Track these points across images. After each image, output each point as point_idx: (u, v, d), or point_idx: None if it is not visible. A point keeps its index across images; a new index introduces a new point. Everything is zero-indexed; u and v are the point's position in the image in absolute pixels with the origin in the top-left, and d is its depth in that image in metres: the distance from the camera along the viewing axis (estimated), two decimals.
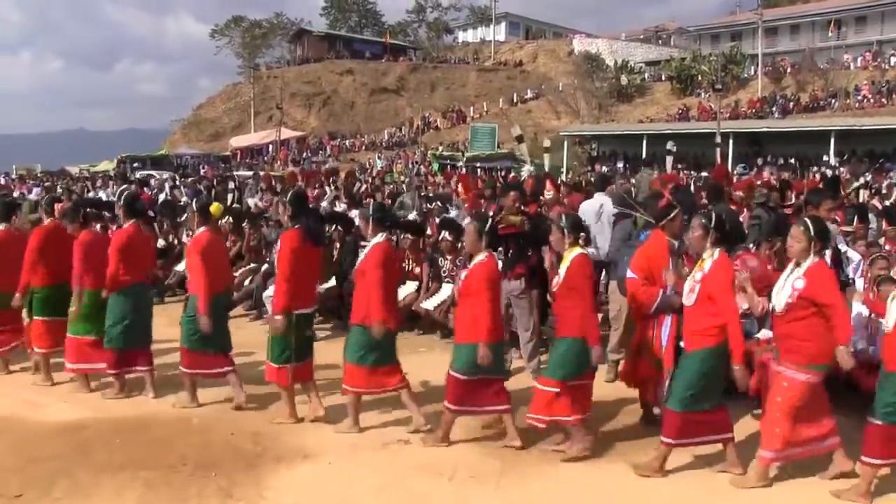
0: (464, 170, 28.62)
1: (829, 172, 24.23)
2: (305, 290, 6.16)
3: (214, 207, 6.79)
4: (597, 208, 8.49)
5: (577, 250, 5.50)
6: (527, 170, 11.64)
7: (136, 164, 37.15)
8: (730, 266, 5.19)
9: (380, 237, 5.93)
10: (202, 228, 6.54)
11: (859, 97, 41.87)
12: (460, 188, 10.95)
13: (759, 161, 34.94)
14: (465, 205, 10.91)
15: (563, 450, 5.57)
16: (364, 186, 21.25)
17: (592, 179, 14.62)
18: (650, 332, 5.86)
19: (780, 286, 5.07)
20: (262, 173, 26.71)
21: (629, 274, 5.99)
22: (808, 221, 5.13)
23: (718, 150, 21.17)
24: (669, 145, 23.51)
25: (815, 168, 31.93)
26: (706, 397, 5.11)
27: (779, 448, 4.99)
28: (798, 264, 5.01)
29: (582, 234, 5.59)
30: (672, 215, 5.96)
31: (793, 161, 34.40)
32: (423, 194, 15.27)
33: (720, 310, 4.99)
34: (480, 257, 5.61)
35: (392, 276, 5.99)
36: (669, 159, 21.22)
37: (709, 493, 5.03)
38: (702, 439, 5.24)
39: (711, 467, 5.31)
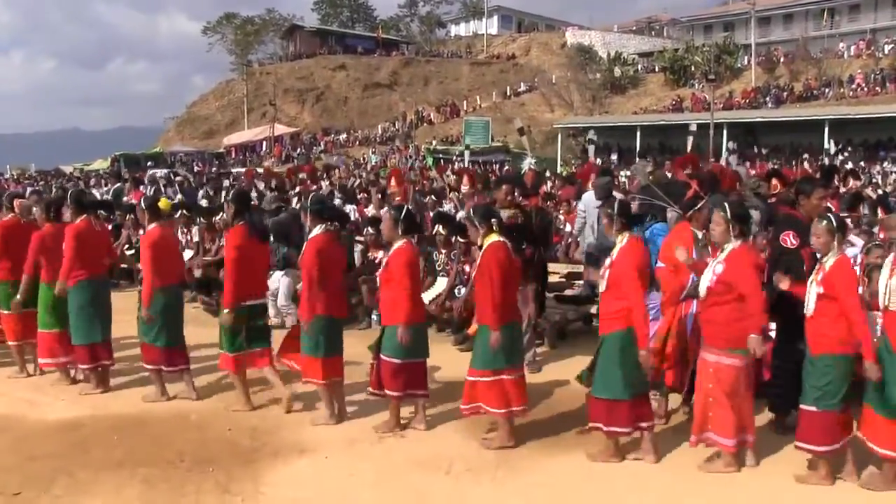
0: (464, 164, 28.60)
1: (826, 161, 24.29)
2: (254, 283, 6.39)
3: (163, 203, 7.07)
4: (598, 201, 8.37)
5: (492, 238, 5.62)
6: (528, 162, 11.64)
7: (149, 163, 36.96)
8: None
9: (318, 230, 6.10)
10: (153, 224, 6.68)
11: (853, 86, 41.91)
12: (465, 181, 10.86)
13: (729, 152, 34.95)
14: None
15: (490, 439, 5.71)
16: (358, 181, 21.26)
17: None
18: (676, 319, 5.91)
19: (706, 272, 5.18)
20: (243, 169, 26.67)
21: (658, 263, 6.09)
22: (727, 205, 5.21)
23: (691, 137, 21.24)
24: (692, 127, 23.61)
25: (807, 156, 32.02)
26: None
27: (732, 434, 5.08)
28: (722, 249, 5.13)
29: (494, 220, 5.71)
30: (699, 206, 6.03)
31: (787, 150, 34.49)
32: (417, 189, 15.22)
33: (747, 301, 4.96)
34: (398, 244, 5.82)
35: (334, 266, 6.15)
36: (690, 139, 21.40)
37: (701, 485, 5.06)
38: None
39: (708, 463, 5.35)
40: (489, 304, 5.48)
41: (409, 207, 6.32)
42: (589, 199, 8.60)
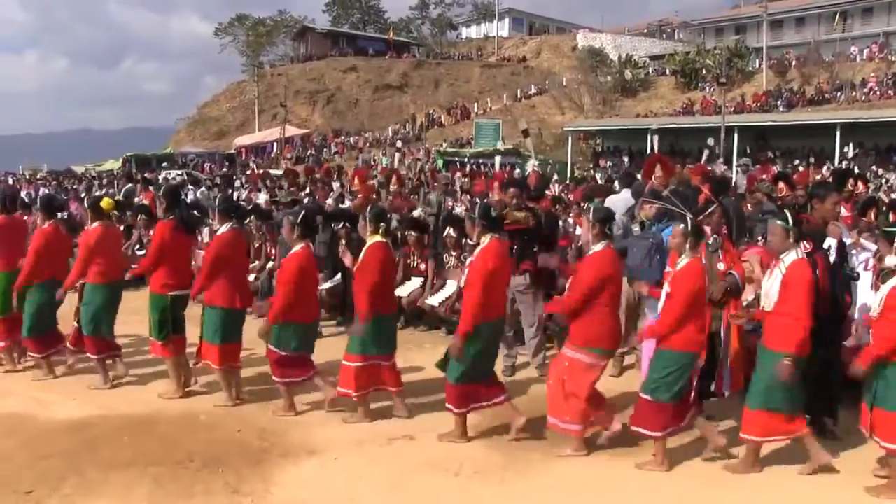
0: (468, 167, 28.56)
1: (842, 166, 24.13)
2: (179, 274, 6.78)
3: (106, 203, 7.37)
4: (626, 203, 8.26)
5: (375, 239, 6.06)
6: (531, 164, 11.58)
7: (163, 164, 37.10)
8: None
9: (225, 227, 6.57)
10: (96, 223, 7.08)
11: (866, 90, 41.66)
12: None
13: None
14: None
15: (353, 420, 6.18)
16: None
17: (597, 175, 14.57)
18: None
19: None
20: (248, 172, 26.75)
21: (667, 269, 6.03)
22: (593, 209, 5.70)
23: (707, 150, 21.01)
24: (710, 141, 23.70)
25: (812, 160, 31.86)
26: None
27: (580, 420, 5.39)
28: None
29: (382, 224, 6.14)
30: (710, 210, 6.01)
31: (803, 156, 34.30)
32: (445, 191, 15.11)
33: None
34: (296, 248, 6.23)
35: (236, 261, 6.60)
36: (707, 152, 21.35)
37: (712, 488, 5.05)
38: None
39: (723, 461, 5.33)
40: (361, 297, 5.97)
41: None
42: (617, 201, 8.40)
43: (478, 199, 12.11)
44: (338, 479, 5.24)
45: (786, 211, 5.28)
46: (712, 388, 5.96)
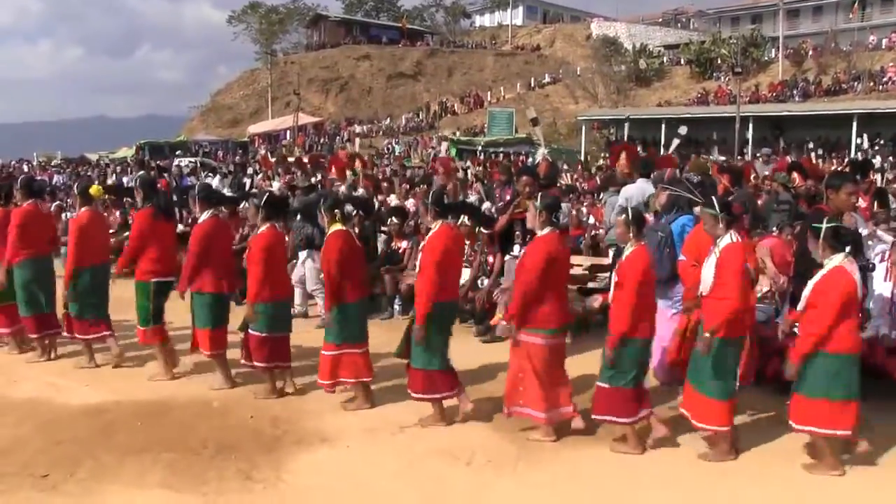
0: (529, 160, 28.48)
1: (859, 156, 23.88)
2: (162, 261, 6.97)
3: (94, 189, 7.68)
4: (643, 193, 8.19)
5: (335, 227, 6.19)
6: (541, 153, 11.54)
7: (177, 152, 37.10)
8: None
9: (206, 214, 6.72)
10: (84, 208, 7.37)
11: (884, 79, 41.18)
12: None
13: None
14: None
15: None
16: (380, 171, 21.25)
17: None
18: (695, 317, 5.86)
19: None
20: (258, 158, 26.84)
21: (680, 256, 6.10)
22: (540, 196, 5.73)
23: (676, 140, 20.59)
24: (681, 130, 23.35)
25: (821, 151, 31.61)
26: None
27: (544, 407, 5.47)
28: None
29: (338, 211, 6.26)
30: (728, 201, 5.99)
31: (811, 145, 34.04)
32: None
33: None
34: (261, 229, 6.40)
35: (221, 247, 6.76)
36: (675, 142, 20.96)
37: (727, 479, 5.03)
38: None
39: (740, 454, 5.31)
40: (327, 287, 6.14)
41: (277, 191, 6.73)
42: (633, 191, 8.32)
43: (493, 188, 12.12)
44: (350, 466, 5.26)
45: (713, 199, 5.41)
46: None
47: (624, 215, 5.39)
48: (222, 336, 6.80)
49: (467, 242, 9.21)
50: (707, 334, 5.12)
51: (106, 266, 7.47)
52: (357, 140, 39.11)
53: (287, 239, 10.57)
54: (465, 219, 9.11)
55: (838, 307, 4.81)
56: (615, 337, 5.23)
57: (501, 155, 30.04)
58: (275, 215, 6.56)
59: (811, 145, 34.17)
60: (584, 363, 6.36)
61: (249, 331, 6.42)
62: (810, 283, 4.99)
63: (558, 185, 12.25)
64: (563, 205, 6.31)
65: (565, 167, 26.34)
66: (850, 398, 4.90)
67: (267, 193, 6.76)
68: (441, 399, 5.88)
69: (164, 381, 6.99)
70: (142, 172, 18.17)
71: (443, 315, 5.82)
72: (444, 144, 34.50)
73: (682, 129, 23.35)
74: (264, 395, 6.52)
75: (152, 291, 6.91)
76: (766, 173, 12.28)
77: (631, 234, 5.33)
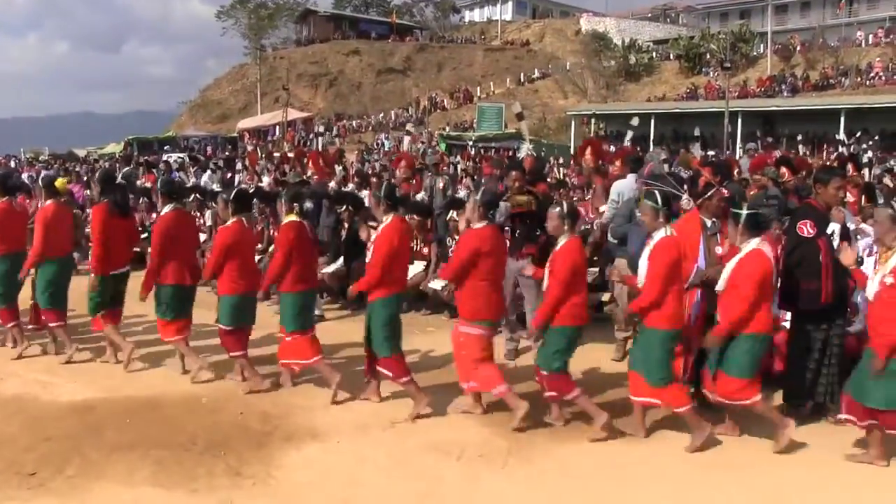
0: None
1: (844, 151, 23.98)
2: (118, 254, 7.11)
3: (59, 182, 7.89)
4: (632, 188, 8.19)
5: (290, 218, 6.43)
6: (525, 148, 11.52)
7: (165, 147, 36.91)
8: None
9: (168, 208, 6.89)
10: (49, 201, 7.49)
11: (871, 75, 41.41)
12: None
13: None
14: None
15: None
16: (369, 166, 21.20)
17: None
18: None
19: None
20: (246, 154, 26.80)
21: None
22: (481, 192, 6.11)
23: (630, 132, 20.32)
24: (633, 122, 23.42)
25: (807, 145, 31.76)
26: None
27: (498, 382, 5.73)
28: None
29: (296, 204, 6.48)
30: (709, 195, 6.00)
31: (800, 138, 34.18)
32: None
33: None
34: (228, 223, 6.59)
35: (182, 240, 6.91)
36: (629, 134, 20.92)
37: (716, 474, 5.06)
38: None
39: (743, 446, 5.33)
40: (271, 271, 6.42)
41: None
42: (623, 187, 8.33)
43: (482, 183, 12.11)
44: (340, 462, 5.25)
45: (656, 193, 5.52)
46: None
47: (558, 209, 5.58)
48: (184, 325, 6.97)
49: (456, 237, 9.21)
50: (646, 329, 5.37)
51: (70, 258, 7.70)
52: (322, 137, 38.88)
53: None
54: (454, 214, 9.13)
55: (757, 287, 5.06)
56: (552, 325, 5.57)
57: (493, 150, 30.03)
58: (243, 210, 6.70)
59: (800, 138, 34.29)
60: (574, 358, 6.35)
61: (218, 323, 6.62)
62: (729, 265, 5.23)
63: (547, 179, 12.23)
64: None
65: (560, 162, 26.34)
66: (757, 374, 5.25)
67: (236, 188, 7.06)
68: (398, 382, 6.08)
69: (113, 364, 7.29)
70: (127, 168, 18.09)
71: (389, 309, 6.02)
72: (406, 139, 34.50)
73: (634, 121, 23.37)
74: (250, 389, 6.53)
75: (110, 283, 7.12)
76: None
77: (565, 227, 5.56)
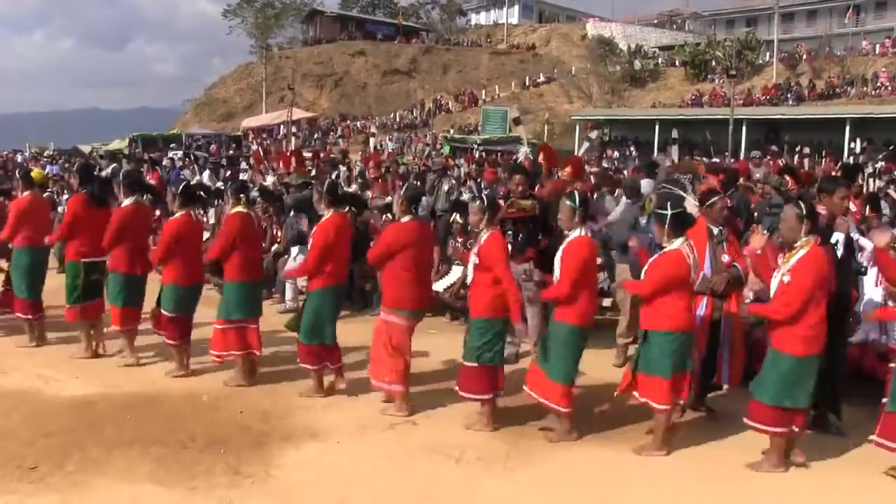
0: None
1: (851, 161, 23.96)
2: (93, 243, 7.24)
3: (36, 173, 8.28)
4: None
5: (236, 209, 6.68)
6: (523, 152, 11.52)
7: (172, 145, 36.83)
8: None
9: (128, 200, 7.14)
10: (27, 192, 7.77)
11: (877, 84, 41.36)
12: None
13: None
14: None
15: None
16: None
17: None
18: None
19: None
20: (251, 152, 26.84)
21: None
22: (404, 189, 6.31)
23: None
24: (592, 135, 23.47)
25: (807, 152, 31.72)
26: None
27: (397, 379, 5.92)
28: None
29: (242, 196, 6.79)
30: (713, 201, 6.00)
31: (808, 149, 34.10)
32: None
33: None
34: (176, 215, 6.81)
35: (138, 232, 7.18)
36: (675, 148, 20.87)
37: (714, 480, 5.05)
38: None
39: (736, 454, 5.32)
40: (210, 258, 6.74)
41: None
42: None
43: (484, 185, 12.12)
44: (339, 462, 5.25)
45: (575, 193, 5.70)
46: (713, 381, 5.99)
47: (479, 203, 5.76)
48: (133, 314, 7.17)
49: (460, 240, 9.22)
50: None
51: (46, 249, 7.90)
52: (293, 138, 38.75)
53: (278, 232, 10.62)
54: (457, 216, 9.13)
55: (664, 282, 5.22)
56: (473, 317, 5.76)
57: (498, 154, 30.01)
58: (191, 203, 6.97)
59: (806, 150, 34.24)
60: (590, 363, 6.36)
61: (161, 309, 6.83)
62: (649, 262, 5.42)
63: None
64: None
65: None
66: (685, 371, 5.32)
67: (184, 183, 7.38)
68: (320, 370, 6.40)
69: (85, 358, 7.39)
70: (118, 164, 18.13)
71: (327, 300, 6.29)
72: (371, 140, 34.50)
73: (593, 134, 23.40)
74: (175, 373, 6.85)
75: (82, 270, 7.29)
76: (758, 176, 12.30)
77: (484, 223, 5.75)
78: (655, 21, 70.86)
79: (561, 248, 5.56)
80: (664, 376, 5.23)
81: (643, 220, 7.01)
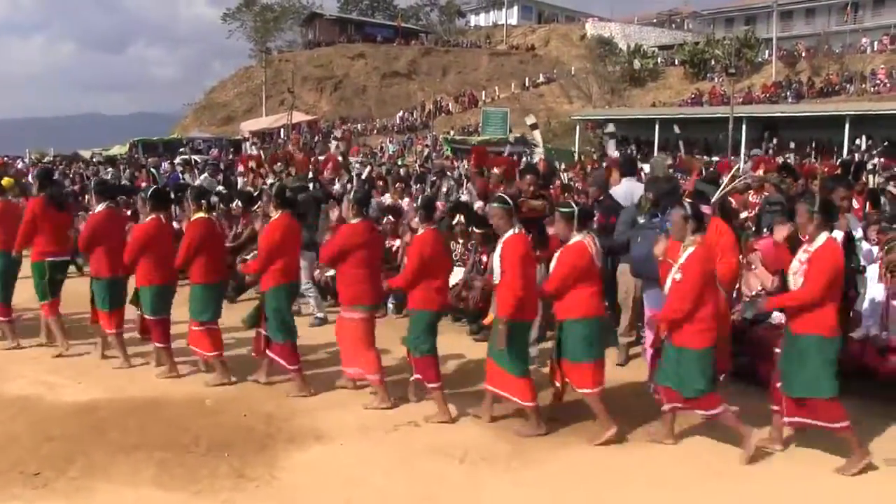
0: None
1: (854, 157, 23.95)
2: (57, 243, 7.68)
3: (6, 181, 8.60)
4: (629, 193, 8.13)
5: (198, 215, 6.88)
6: (539, 153, 11.50)
7: (181, 149, 36.76)
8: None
9: (101, 206, 7.38)
10: None
11: (876, 82, 41.37)
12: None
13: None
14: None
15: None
16: (372, 170, 21.19)
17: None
18: None
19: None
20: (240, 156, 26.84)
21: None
22: (353, 193, 6.64)
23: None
24: (676, 129, 23.35)
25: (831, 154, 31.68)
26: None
27: (374, 370, 6.19)
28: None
29: (204, 201, 6.99)
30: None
31: (809, 147, 34.13)
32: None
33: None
34: (147, 219, 7.08)
35: (112, 235, 7.30)
36: (681, 143, 20.89)
37: (716, 479, 5.06)
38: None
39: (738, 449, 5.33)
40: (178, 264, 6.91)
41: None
42: (618, 192, 8.27)
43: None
44: (343, 464, 5.26)
45: (504, 195, 5.90)
46: None
47: (499, 205, 5.76)
48: (120, 316, 7.39)
49: (460, 241, 9.24)
50: (500, 326, 5.53)
51: (19, 255, 7.92)
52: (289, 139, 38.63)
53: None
54: (461, 218, 9.14)
55: (571, 274, 5.47)
56: (410, 308, 6.15)
57: (497, 155, 30.00)
58: (161, 207, 7.17)
59: (799, 147, 34.25)
60: None
61: (143, 312, 7.15)
62: (555, 256, 5.68)
63: (554, 184, 12.27)
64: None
65: (562, 167, 26.35)
66: (599, 358, 5.62)
67: (152, 188, 7.59)
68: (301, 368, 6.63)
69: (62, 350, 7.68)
70: (116, 170, 18.11)
71: (279, 298, 6.55)
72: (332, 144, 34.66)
73: (610, 128, 23.31)
74: (215, 382, 6.86)
75: (46, 270, 7.61)
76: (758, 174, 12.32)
77: (418, 218, 6.20)
78: (654, 20, 70.90)
79: (498, 248, 5.74)
80: (586, 361, 5.52)
81: (641, 220, 7.01)
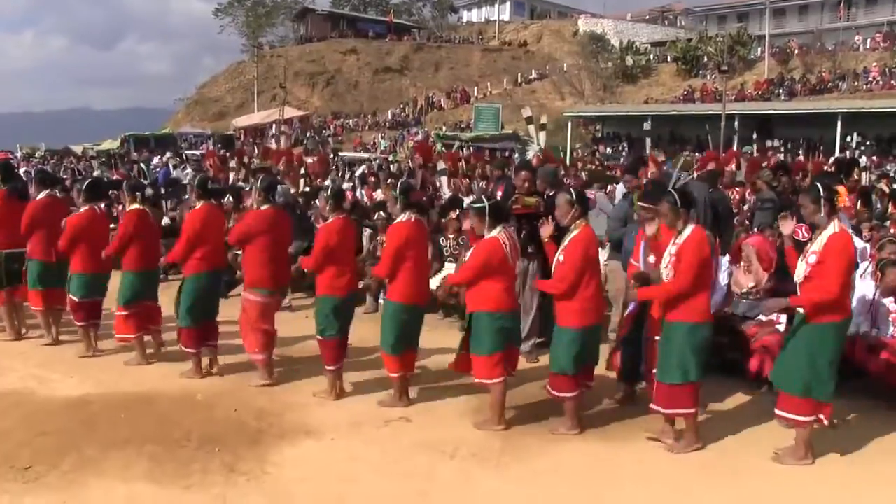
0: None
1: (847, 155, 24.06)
2: (12, 235, 7.79)
3: None
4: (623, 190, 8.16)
5: (133, 206, 7.22)
6: (534, 149, 11.52)
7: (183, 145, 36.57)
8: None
9: (42, 194, 7.73)
10: None
11: (868, 79, 41.51)
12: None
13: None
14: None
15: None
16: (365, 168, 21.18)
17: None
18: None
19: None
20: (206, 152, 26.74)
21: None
22: (260, 178, 7.17)
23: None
24: (646, 126, 23.36)
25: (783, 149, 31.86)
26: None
27: (258, 349, 6.55)
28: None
29: (139, 194, 7.34)
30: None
31: (801, 143, 34.26)
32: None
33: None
34: (80, 210, 7.42)
35: (54, 222, 7.54)
36: (648, 141, 20.84)
37: (707, 474, 5.08)
38: None
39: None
40: (112, 251, 7.22)
41: None
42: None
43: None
44: (334, 459, 5.27)
45: (483, 199, 5.93)
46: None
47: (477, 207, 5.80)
48: (55, 295, 7.74)
49: (451, 237, 9.24)
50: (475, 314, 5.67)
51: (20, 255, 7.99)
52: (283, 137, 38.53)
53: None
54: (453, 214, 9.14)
55: (483, 267, 5.57)
56: (319, 294, 6.30)
57: (490, 151, 29.99)
58: (94, 198, 7.54)
59: (792, 143, 34.38)
60: None
61: (70, 294, 7.44)
62: (470, 250, 5.87)
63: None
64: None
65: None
66: (513, 347, 5.84)
67: (89, 179, 8.17)
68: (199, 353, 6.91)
69: (9, 340, 7.99)
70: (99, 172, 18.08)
71: (203, 283, 6.80)
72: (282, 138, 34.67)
73: (646, 126, 23.24)
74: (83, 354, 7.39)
75: (2, 261, 7.90)
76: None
77: (328, 208, 6.36)
78: (647, 17, 70.95)
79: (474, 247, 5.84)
80: (491, 353, 5.60)
81: (636, 216, 7.03)
